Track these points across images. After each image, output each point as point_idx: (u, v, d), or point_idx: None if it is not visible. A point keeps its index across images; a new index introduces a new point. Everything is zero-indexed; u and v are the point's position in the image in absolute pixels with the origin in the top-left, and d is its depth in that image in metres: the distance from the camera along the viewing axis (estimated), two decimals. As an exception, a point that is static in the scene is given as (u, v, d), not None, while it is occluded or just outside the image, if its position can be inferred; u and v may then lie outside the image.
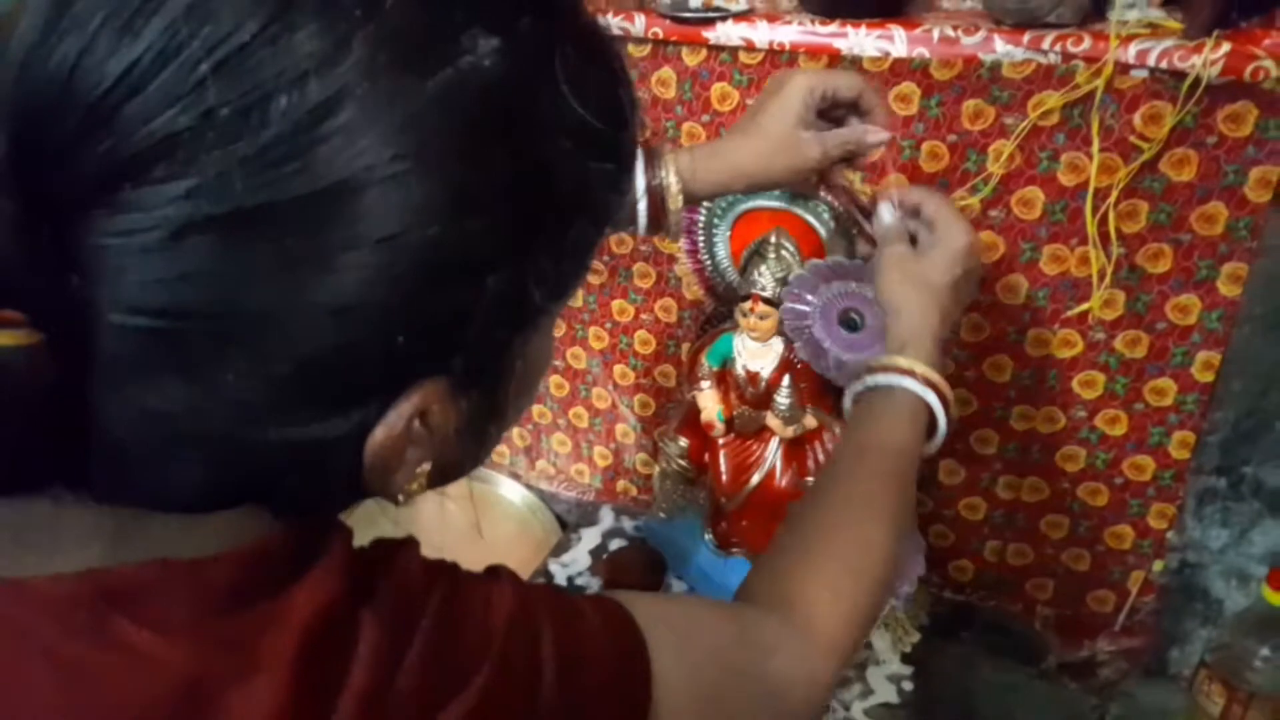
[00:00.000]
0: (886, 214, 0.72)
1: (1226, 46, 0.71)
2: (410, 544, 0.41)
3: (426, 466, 0.37)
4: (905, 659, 0.91)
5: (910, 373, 0.65)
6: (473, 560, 1.25)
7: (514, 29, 0.31)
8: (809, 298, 0.80)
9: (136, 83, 0.27)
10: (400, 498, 0.38)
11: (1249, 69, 0.70)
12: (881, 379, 0.66)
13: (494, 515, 1.22)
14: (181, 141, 0.27)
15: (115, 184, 0.27)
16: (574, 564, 1.03)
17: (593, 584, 1.00)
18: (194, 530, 0.35)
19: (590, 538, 1.07)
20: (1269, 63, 0.70)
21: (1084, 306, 0.82)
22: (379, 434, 0.34)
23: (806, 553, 0.58)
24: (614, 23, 0.88)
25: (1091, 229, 0.78)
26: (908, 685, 0.89)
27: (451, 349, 0.33)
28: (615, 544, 1.06)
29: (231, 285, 0.28)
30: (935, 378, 0.65)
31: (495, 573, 0.45)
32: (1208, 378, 0.82)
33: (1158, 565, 0.92)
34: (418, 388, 0.33)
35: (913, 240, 0.72)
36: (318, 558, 0.36)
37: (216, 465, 0.34)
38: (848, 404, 0.69)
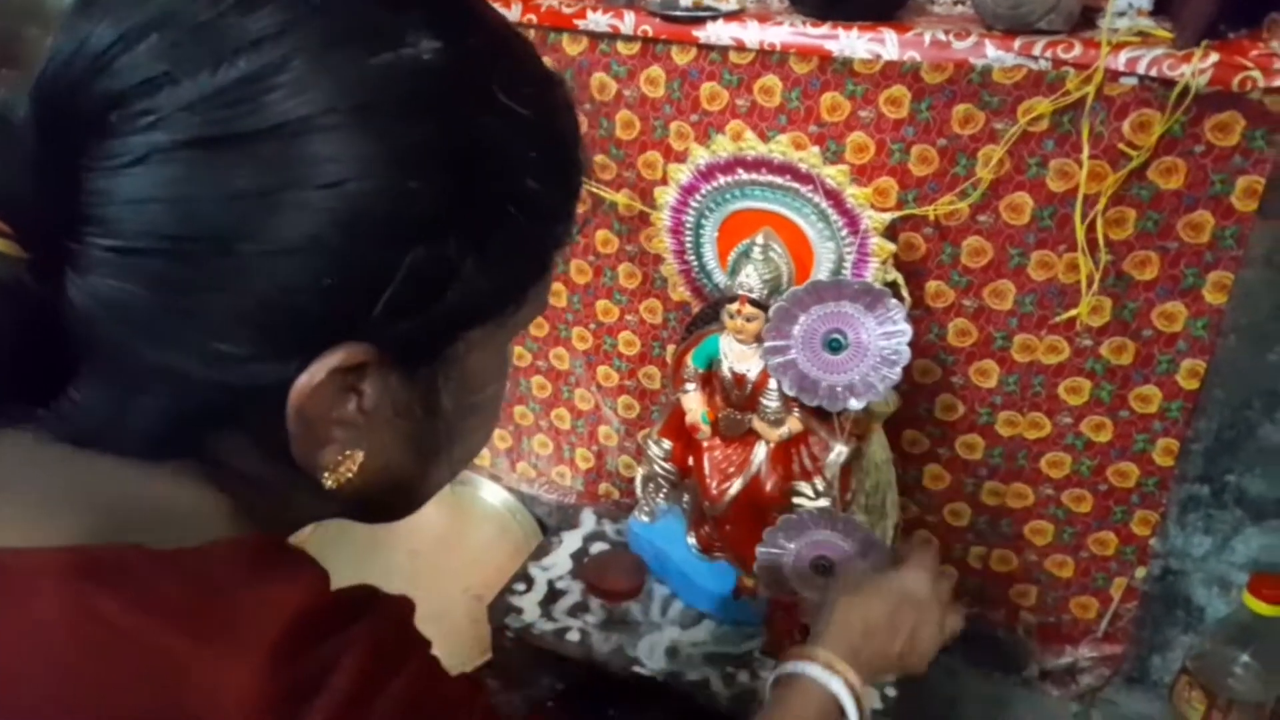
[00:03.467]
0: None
1: (1215, 57, 0.71)
2: (407, 602, 0.42)
3: (359, 455, 0.38)
4: (888, 665, 0.90)
5: (828, 666, 0.66)
6: (451, 566, 1.23)
7: (458, 38, 0.36)
8: (787, 329, 0.80)
9: (130, 42, 0.33)
10: (326, 477, 0.38)
11: (1237, 79, 0.71)
12: (796, 667, 0.67)
13: (473, 518, 1.21)
14: (156, 83, 0.32)
15: (104, 115, 0.33)
16: (554, 567, 1.01)
17: (574, 588, 0.99)
18: (173, 521, 0.37)
19: (571, 541, 1.05)
20: (1256, 73, 0.70)
21: (1072, 313, 0.82)
22: (301, 381, 0.35)
23: None
24: (603, 20, 0.87)
25: (1080, 235, 0.78)
26: (891, 692, 0.88)
27: (374, 310, 0.35)
28: (597, 547, 1.05)
29: (190, 210, 0.32)
30: (849, 674, 0.66)
31: (478, 684, 0.47)
32: (1192, 385, 0.82)
33: (1140, 572, 0.92)
34: (344, 345, 0.35)
35: None
36: (301, 566, 0.38)
37: (167, 402, 0.36)
38: (766, 690, 0.69)
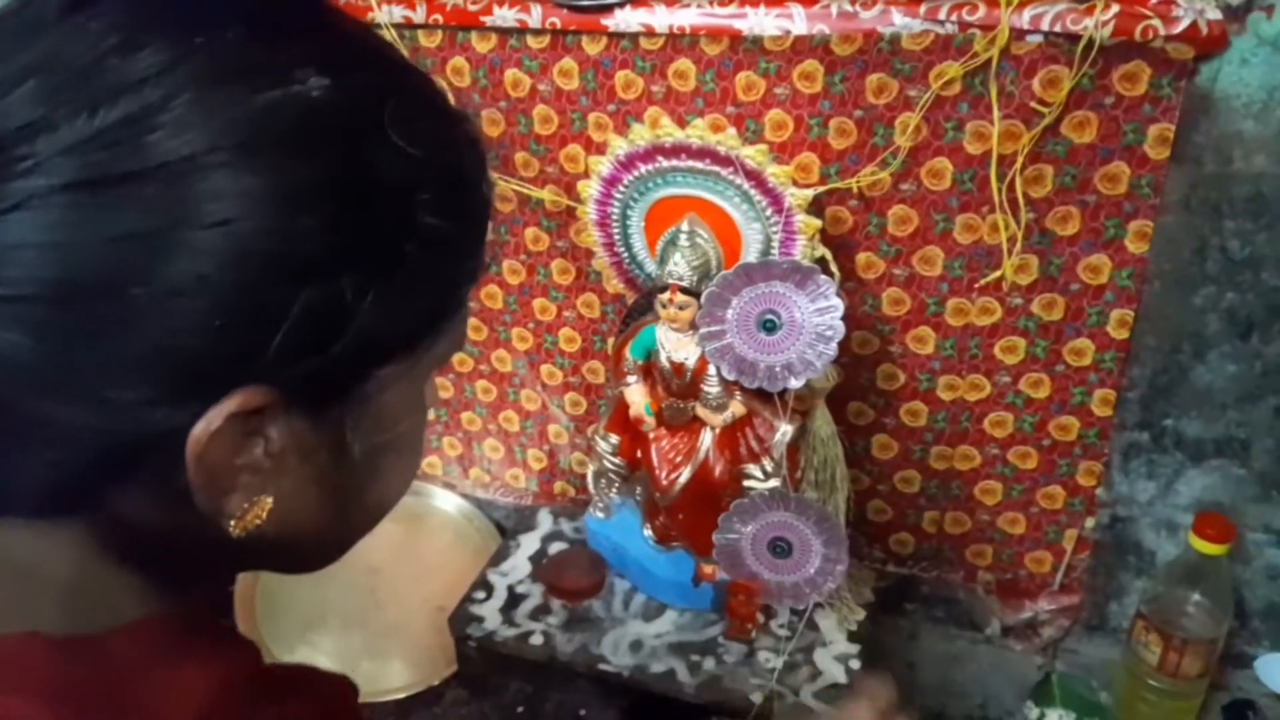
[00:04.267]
0: None
1: (1116, 8, 0.71)
2: (346, 684, 0.40)
3: (267, 501, 0.37)
4: (852, 637, 0.91)
5: None
6: (412, 578, 1.21)
7: (348, 75, 0.35)
8: (720, 314, 0.80)
9: (6, 88, 0.32)
10: (233, 525, 0.37)
11: (1139, 28, 0.71)
12: None
13: (429, 527, 1.19)
14: (34, 128, 0.31)
15: None
16: (513, 572, 1.00)
17: (534, 591, 0.98)
18: (75, 599, 0.35)
19: (529, 544, 1.04)
20: (1157, 22, 0.71)
21: (996, 275, 0.82)
22: (198, 429, 0.34)
23: None
24: (510, 15, 0.86)
25: (997, 196, 0.78)
26: (855, 664, 0.88)
27: (268, 351, 0.33)
28: (555, 547, 1.04)
29: (72, 255, 0.31)
30: None
31: None
32: (1123, 335, 0.83)
33: (1090, 522, 0.94)
34: (241, 390, 0.34)
35: None
36: (219, 643, 0.37)
37: (60, 455, 0.34)
38: None
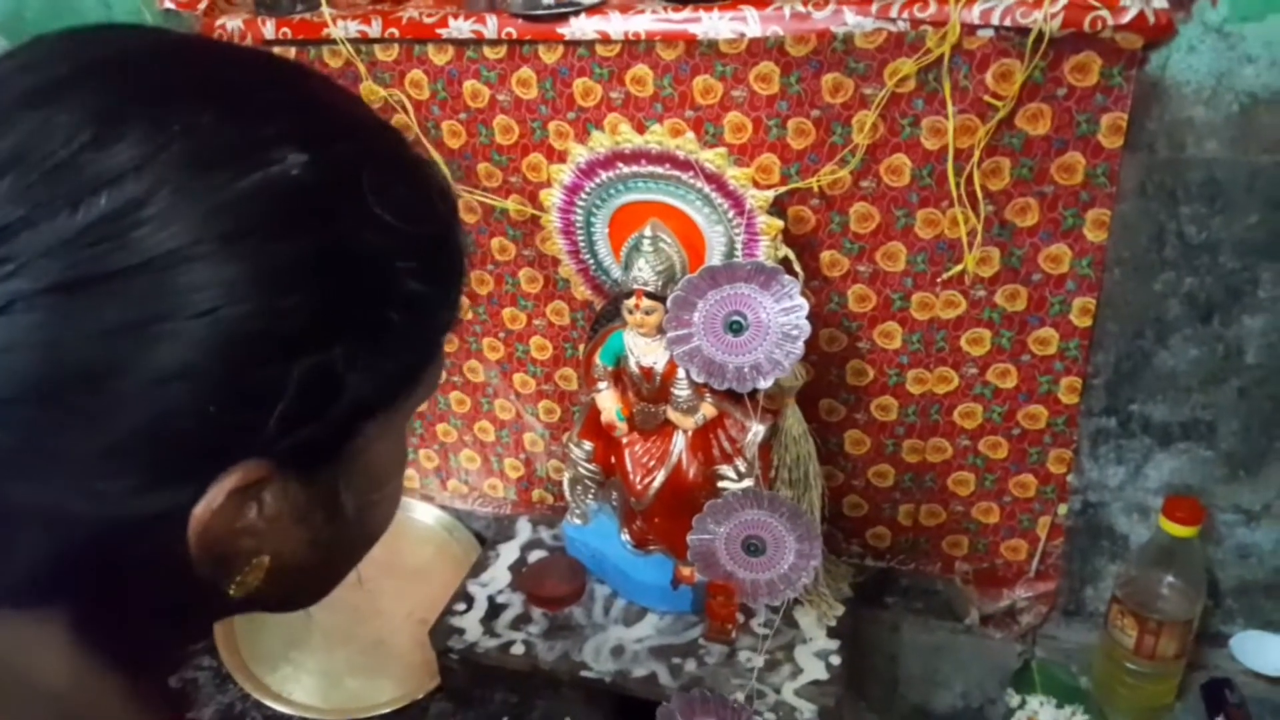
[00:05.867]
0: None
1: (1064, 0, 0.72)
2: None
3: (265, 560, 0.37)
4: (832, 633, 0.92)
5: None
6: (393, 592, 1.21)
7: (325, 147, 0.35)
8: (687, 317, 0.80)
9: None
10: (233, 589, 0.37)
11: (1087, 20, 0.72)
12: None
13: (410, 540, 1.19)
14: (14, 229, 0.31)
15: None
16: (493, 582, 1.00)
17: (515, 600, 0.98)
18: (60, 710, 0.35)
19: (508, 553, 1.04)
20: (1105, 12, 0.71)
21: (958, 268, 0.83)
22: (199, 508, 0.34)
23: None
24: (466, 27, 0.86)
25: (954, 190, 0.79)
26: (835, 660, 0.89)
27: (266, 427, 0.34)
28: (535, 555, 1.04)
29: (58, 354, 0.31)
30: None
31: None
32: (1086, 323, 0.84)
33: (1062, 509, 0.94)
34: (240, 465, 0.34)
35: None
36: None
37: (49, 544, 0.34)
38: None
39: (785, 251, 0.82)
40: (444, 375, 1.09)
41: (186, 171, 0.32)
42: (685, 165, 0.79)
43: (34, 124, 0.32)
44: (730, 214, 0.81)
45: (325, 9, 0.89)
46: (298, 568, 0.39)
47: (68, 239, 0.31)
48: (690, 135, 0.80)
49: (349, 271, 0.35)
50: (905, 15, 0.75)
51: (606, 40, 0.83)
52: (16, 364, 0.31)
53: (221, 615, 0.43)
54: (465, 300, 1.03)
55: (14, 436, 0.31)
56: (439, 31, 0.87)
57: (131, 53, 0.35)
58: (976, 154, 0.78)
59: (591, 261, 0.90)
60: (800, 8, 0.78)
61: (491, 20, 0.85)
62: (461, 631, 0.95)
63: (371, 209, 0.35)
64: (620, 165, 0.82)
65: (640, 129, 0.83)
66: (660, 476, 0.88)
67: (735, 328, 0.80)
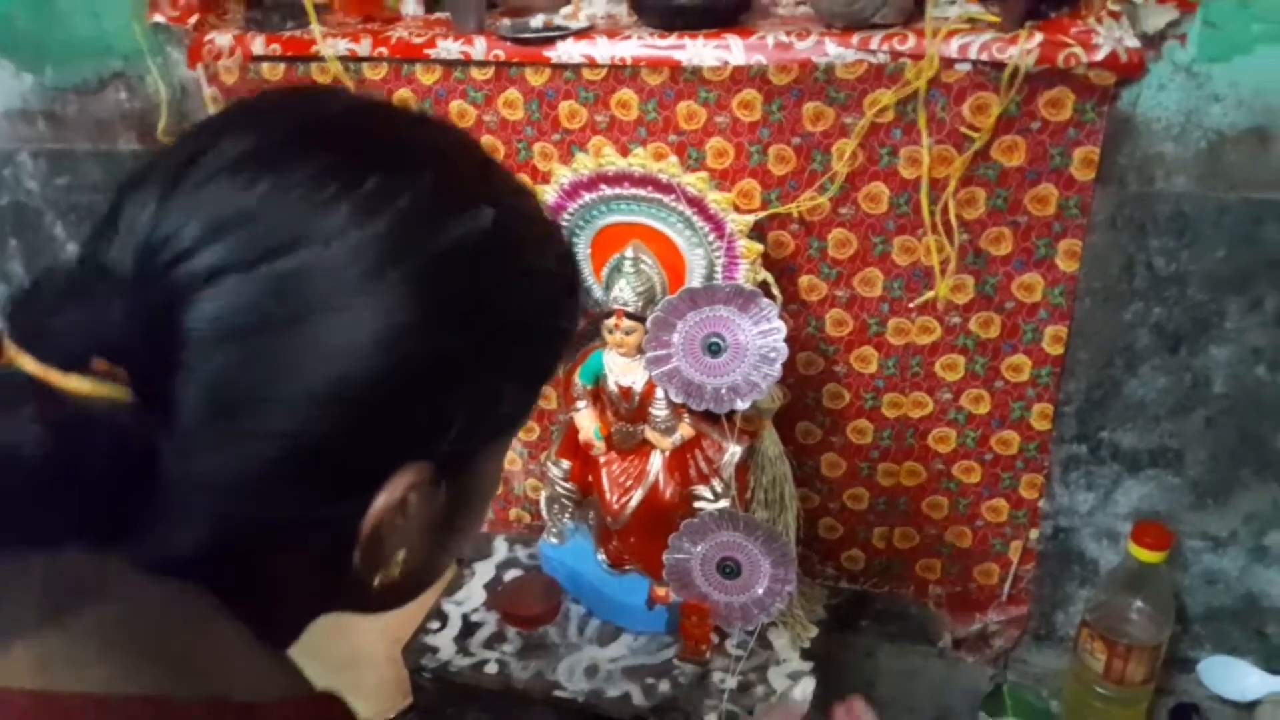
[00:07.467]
0: None
1: (1039, 36, 0.74)
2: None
3: (402, 554, 0.41)
4: (805, 655, 0.92)
5: None
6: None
7: (503, 204, 0.39)
8: (666, 338, 0.81)
9: (209, 239, 0.35)
10: (379, 579, 0.40)
11: (1062, 56, 0.74)
12: None
13: (386, 558, 1.18)
14: (221, 273, 0.34)
15: (185, 298, 0.35)
16: (468, 600, 1.00)
17: (489, 619, 0.98)
18: (247, 673, 0.38)
19: (484, 571, 1.04)
20: (1079, 50, 0.74)
21: (930, 295, 0.84)
22: (378, 504, 0.37)
23: None
24: (454, 48, 0.87)
25: (928, 218, 0.81)
26: (809, 681, 0.89)
27: (437, 441, 0.38)
28: (511, 574, 1.04)
29: (263, 374, 0.34)
30: None
31: None
32: (1057, 351, 0.86)
33: (1034, 533, 0.96)
34: (413, 465, 0.38)
35: None
36: None
37: (228, 533, 0.37)
38: None
39: (764, 275, 0.83)
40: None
41: (401, 229, 0.36)
42: (667, 188, 0.80)
43: (267, 185, 0.35)
44: (711, 237, 0.82)
45: (315, 26, 0.90)
46: (418, 568, 0.42)
47: (265, 290, 0.34)
48: (673, 159, 0.81)
49: (526, 309, 0.40)
50: (885, 48, 0.77)
51: (593, 64, 0.84)
52: (233, 374, 0.34)
53: (349, 607, 0.45)
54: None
55: (223, 433, 0.34)
56: (427, 52, 0.88)
57: (344, 118, 0.39)
58: (952, 184, 0.80)
59: (573, 281, 0.91)
60: (783, 38, 0.79)
61: (480, 42, 0.86)
62: (435, 650, 0.95)
63: (539, 257, 0.41)
64: (603, 187, 0.83)
65: (624, 152, 0.84)
66: (637, 496, 0.89)
67: (714, 349, 0.81)
